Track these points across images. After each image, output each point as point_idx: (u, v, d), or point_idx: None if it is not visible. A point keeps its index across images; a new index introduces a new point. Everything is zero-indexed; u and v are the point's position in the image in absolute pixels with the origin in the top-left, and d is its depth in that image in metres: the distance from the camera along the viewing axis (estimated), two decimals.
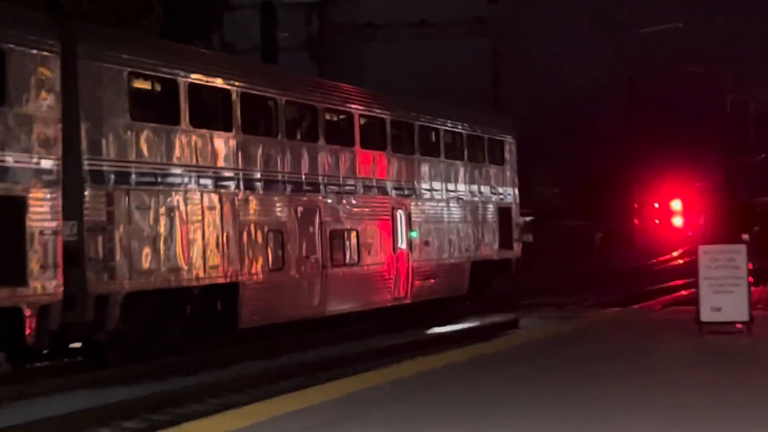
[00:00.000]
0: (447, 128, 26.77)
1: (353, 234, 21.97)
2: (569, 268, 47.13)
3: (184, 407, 13.85)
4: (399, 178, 24.03)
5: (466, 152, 27.42)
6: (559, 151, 60.37)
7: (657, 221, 69.29)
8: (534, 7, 53.96)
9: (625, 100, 65.60)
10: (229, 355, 18.81)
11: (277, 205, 19.78)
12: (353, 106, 22.73)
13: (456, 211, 26.73)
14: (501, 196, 29.23)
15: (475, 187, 27.67)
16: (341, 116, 22.50)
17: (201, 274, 17.67)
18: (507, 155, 29.91)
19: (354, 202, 22.19)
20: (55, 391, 15.04)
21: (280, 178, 19.94)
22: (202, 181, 17.93)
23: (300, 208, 20.34)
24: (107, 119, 16.12)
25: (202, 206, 17.76)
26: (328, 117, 21.89)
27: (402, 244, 23.65)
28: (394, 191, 23.77)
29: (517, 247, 30.02)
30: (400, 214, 23.74)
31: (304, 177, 20.57)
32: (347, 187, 22.02)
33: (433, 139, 26.30)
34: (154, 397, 14.07)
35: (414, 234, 24.17)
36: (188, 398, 14.26)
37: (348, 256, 21.83)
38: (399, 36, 43.12)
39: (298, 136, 21.10)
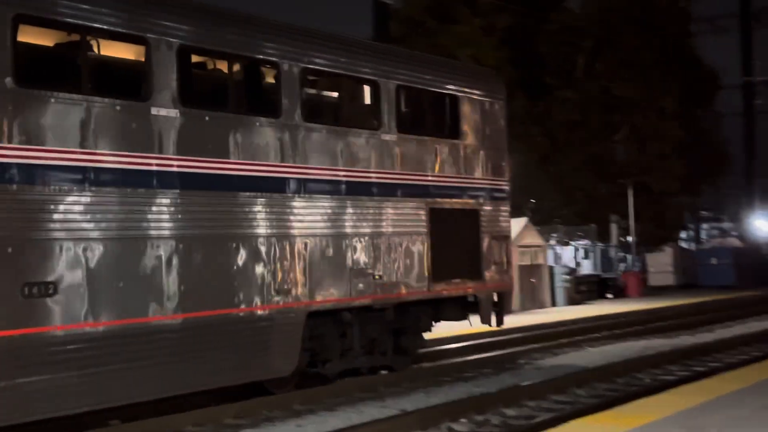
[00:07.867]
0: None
1: None
2: None
3: (710, 356, 18.87)
4: None
5: (299, 108, 13.38)
6: None
7: None
8: None
9: None
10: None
11: None
12: None
13: (247, 219, 12.56)
14: (446, 191, 16.00)
15: (335, 175, 13.95)
16: None
17: None
18: (468, 123, 16.65)
19: None
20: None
21: None
22: None
23: None
24: None
25: None
26: None
27: None
28: None
29: (495, 275, 16.83)
30: None
31: None
32: None
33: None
34: (689, 348, 19.28)
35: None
36: (713, 350, 19.27)
37: None
38: None
39: None
